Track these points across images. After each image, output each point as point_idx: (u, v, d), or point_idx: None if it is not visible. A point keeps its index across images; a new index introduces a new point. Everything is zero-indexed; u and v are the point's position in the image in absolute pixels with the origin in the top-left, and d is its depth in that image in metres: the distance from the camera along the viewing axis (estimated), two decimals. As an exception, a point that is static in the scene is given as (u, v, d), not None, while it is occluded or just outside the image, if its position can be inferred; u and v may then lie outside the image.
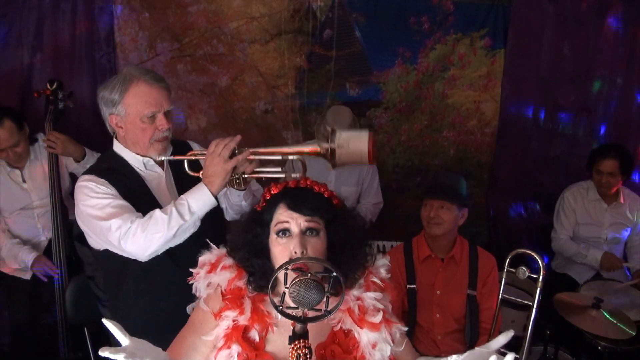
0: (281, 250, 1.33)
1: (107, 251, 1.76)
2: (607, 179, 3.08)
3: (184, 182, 1.84)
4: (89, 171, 1.82)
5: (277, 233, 1.34)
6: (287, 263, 1.19)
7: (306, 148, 1.65)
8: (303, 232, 1.33)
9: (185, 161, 1.80)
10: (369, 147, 1.55)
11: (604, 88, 3.60)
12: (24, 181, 2.78)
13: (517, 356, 1.95)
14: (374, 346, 1.35)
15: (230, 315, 1.33)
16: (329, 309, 1.17)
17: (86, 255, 2.01)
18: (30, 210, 2.80)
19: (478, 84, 3.58)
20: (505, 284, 2.14)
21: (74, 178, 2.87)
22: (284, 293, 1.17)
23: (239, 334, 1.34)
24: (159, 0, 3.32)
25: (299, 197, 1.36)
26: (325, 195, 1.40)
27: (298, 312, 1.17)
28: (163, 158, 1.86)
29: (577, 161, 3.64)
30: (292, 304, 1.16)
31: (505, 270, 2.03)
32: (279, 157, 1.70)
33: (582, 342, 2.68)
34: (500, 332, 2.34)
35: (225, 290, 1.37)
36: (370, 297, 1.39)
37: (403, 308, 2.39)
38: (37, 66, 3.29)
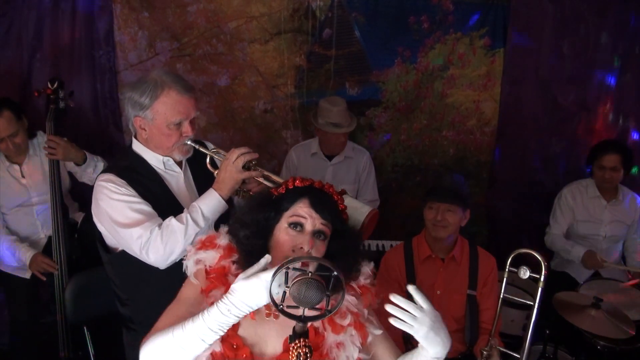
0: (287, 241, 1.36)
1: (125, 252, 1.79)
2: (610, 174, 3.10)
3: (202, 182, 1.88)
4: (108, 170, 1.84)
5: (290, 224, 1.37)
6: (289, 261, 1.19)
7: None
8: (314, 233, 1.36)
9: (208, 156, 1.89)
10: (364, 221, 1.63)
11: (603, 87, 3.61)
12: (22, 177, 2.77)
13: None
14: (338, 346, 1.37)
15: (217, 294, 1.34)
16: (329, 308, 1.17)
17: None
18: (29, 207, 2.79)
19: (477, 84, 3.58)
20: (505, 283, 2.14)
21: (72, 177, 2.87)
22: (285, 292, 1.17)
23: None
24: (158, 0, 3.32)
25: (323, 199, 1.40)
26: (339, 207, 1.45)
27: (298, 311, 1.18)
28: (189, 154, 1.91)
29: (577, 161, 3.65)
30: (292, 303, 1.17)
31: (506, 269, 2.02)
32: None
33: (582, 341, 2.68)
34: (500, 332, 2.36)
35: (209, 268, 1.39)
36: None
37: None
38: (36, 65, 3.28)
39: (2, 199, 2.75)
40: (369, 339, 1.42)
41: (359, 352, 1.40)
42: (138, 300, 1.90)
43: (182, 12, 3.35)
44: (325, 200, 1.40)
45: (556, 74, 3.56)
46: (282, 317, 1.20)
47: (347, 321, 1.38)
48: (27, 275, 2.78)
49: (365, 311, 1.43)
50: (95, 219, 1.83)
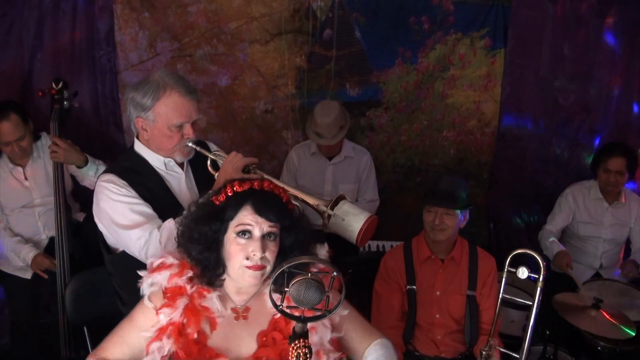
0: (239, 250, 1.37)
1: (126, 252, 1.79)
2: (616, 178, 3.09)
3: (203, 183, 1.87)
4: (109, 170, 1.85)
5: (238, 233, 1.37)
6: (287, 263, 1.19)
7: (310, 199, 1.70)
8: (263, 236, 1.37)
9: (209, 158, 1.88)
10: (362, 228, 1.61)
11: (603, 88, 3.60)
12: (26, 179, 2.78)
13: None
14: (310, 330, 1.36)
15: (166, 311, 1.38)
16: (329, 308, 1.18)
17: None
18: (32, 208, 2.80)
19: (478, 84, 3.58)
20: (505, 284, 2.13)
21: (74, 179, 2.87)
22: (285, 293, 1.17)
23: (176, 329, 1.37)
24: (159, 0, 3.32)
25: (265, 201, 1.39)
26: (284, 200, 1.45)
27: (298, 312, 1.18)
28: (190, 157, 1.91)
29: (577, 161, 3.65)
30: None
31: (505, 270, 2.02)
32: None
33: (582, 342, 2.69)
34: (500, 333, 2.35)
35: (165, 288, 1.41)
36: None
37: (403, 308, 2.39)
38: (37, 65, 3.28)
39: (5, 200, 2.76)
40: (337, 319, 1.45)
41: (331, 331, 1.43)
42: (139, 299, 1.90)
43: (183, 12, 3.35)
44: (268, 202, 1.39)
45: (557, 74, 3.56)
46: (250, 315, 1.25)
47: None
48: (28, 275, 2.79)
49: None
50: (95, 219, 1.83)
